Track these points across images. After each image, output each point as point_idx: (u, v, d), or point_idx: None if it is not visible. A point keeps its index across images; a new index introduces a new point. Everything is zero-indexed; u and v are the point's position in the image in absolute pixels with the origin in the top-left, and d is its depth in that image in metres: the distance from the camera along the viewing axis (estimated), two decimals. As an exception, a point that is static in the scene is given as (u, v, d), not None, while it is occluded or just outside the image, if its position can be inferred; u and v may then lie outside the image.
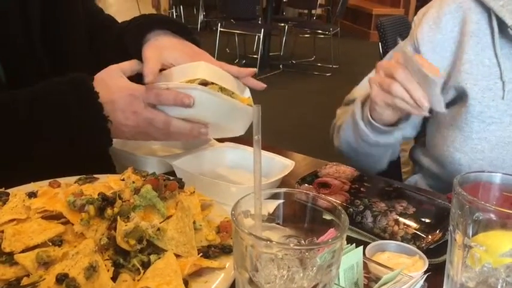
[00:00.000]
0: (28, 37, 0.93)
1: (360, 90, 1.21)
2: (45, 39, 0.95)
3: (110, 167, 1.02)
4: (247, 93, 0.90)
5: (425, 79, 0.87)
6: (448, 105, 1.10)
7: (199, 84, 0.82)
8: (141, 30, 0.94)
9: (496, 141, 1.05)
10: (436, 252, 0.73)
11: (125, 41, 0.97)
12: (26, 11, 0.92)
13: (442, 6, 1.10)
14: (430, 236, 0.76)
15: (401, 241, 0.76)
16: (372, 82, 0.97)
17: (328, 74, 6.04)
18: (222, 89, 0.84)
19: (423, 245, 0.75)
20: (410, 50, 1.11)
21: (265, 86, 0.92)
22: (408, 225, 0.78)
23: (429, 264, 0.69)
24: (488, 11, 1.04)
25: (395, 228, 0.78)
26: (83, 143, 0.84)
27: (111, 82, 0.84)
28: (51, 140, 0.82)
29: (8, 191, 0.75)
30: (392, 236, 0.78)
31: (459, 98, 1.08)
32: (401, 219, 0.79)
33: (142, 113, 0.83)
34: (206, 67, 0.85)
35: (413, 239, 0.76)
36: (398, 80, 0.90)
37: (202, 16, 7.66)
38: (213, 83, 0.84)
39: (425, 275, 0.61)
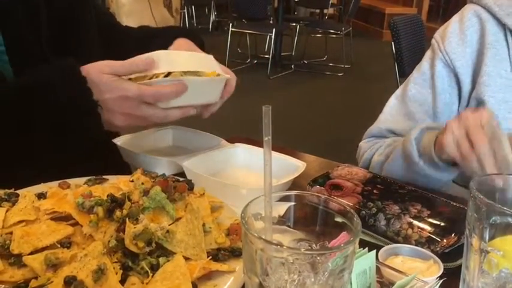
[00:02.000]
0: (37, 38, 0.93)
1: (388, 121, 1.19)
2: (54, 40, 0.95)
3: (122, 165, 1.02)
4: (214, 68, 0.92)
5: (506, 163, 0.85)
6: None
7: (164, 76, 0.85)
8: (169, 37, 1.01)
9: None
10: (452, 257, 0.72)
11: (154, 46, 0.99)
12: (34, 11, 0.92)
13: (464, 21, 1.12)
14: (445, 240, 0.74)
15: (416, 245, 0.74)
16: (448, 133, 0.91)
17: (340, 74, 6.01)
18: (185, 73, 0.87)
19: (438, 249, 0.73)
20: (441, 68, 1.12)
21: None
22: (422, 229, 0.76)
23: (444, 269, 0.67)
24: (504, 25, 1.06)
25: (409, 231, 0.77)
26: (73, 125, 0.82)
27: (101, 80, 0.82)
28: (41, 124, 0.81)
29: (17, 191, 0.74)
30: (406, 240, 0.76)
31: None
32: (416, 222, 0.78)
33: (136, 113, 0.84)
34: (166, 57, 0.88)
35: (428, 242, 0.74)
36: (476, 154, 0.87)
37: (213, 16, 7.67)
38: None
39: (441, 280, 0.59)
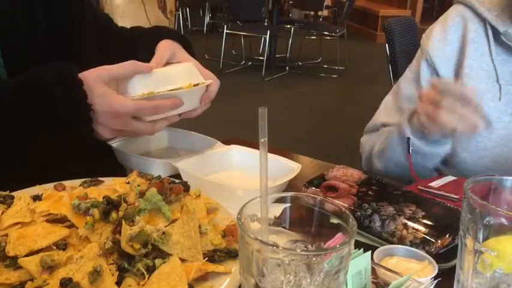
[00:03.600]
0: (33, 38, 0.92)
1: (382, 116, 1.28)
2: (51, 41, 0.94)
3: (118, 167, 1.02)
4: (192, 77, 0.95)
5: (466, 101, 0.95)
6: None
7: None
8: (154, 38, 1.01)
9: (498, 139, 1.12)
10: (446, 257, 0.72)
11: (138, 49, 1.01)
12: (31, 12, 0.92)
13: (447, 20, 1.21)
14: (439, 241, 0.74)
15: (410, 246, 0.74)
16: (420, 112, 1.04)
17: (334, 76, 6.02)
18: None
19: (432, 249, 0.73)
20: (425, 66, 1.21)
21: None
22: (417, 230, 0.77)
23: (439, 270, 0.68)
24: (484, 20, 1.14)
25: (404, 232, 0.77)
26: (65, 124, 0.82)
27: (95, 90, 0.81)
28: (34, 122, 0.81)
29: (12, 194, 0.74)
30: (401, 241, 0.76)
31: None
32: (410, 224, 0.78)
33: (126, 128, 0.85)
34: (142, 81, 0.88)
35: (423, 243, 0.75)
36: (444, 109, 0.98)
37: (208, 18, 7.67)
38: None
39: (435, 281, 0.60)
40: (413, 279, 0.59)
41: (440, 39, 1.19)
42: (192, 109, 0.95)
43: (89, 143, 0.86)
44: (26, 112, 0.80)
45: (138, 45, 1.07)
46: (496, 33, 1.13)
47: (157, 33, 1.06)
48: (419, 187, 0.96)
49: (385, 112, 1.27)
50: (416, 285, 0.58)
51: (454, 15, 1.20)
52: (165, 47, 0.99)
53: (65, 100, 0.80)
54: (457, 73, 1.17)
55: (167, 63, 0.97)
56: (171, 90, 0.89)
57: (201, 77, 0.96)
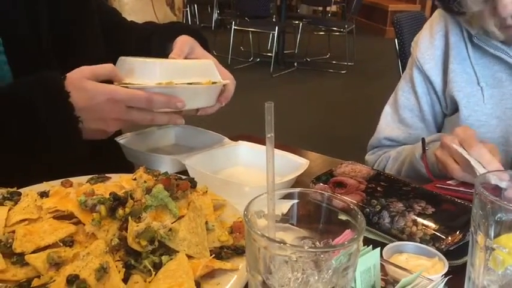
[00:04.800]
0: (36, 38, 0.92)
1: (384, 130, 1.27)
2: (55, 40, 0.94)
3: (124, 164, 1.02)
4: (211, 75, 0.93)
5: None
6: (449, 114, 1.20)
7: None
8: (169, 34, 1.00)
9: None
10: (457, 254, 0.71)
11: (152, 44, 0.99)
12: (34, 11, 0.92)
13: (433, 25, 1.19)
14: (450, 237, 0.73)
15: (420, 242, 0.73)
16: (437, 158, 1.00)
17: (343, 72, 5.99)
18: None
19: (443, 246, 0.72)
20: (417, 74, 1.20)
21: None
22: (427, 226, 0.76)
23: (449, 267, 0.67)
24: (459, 23, 1.13)
25: (414, 229, 0.76)
26: (52, 144, 0.81)
27: (86, 87, 0.80)
28: (16, 140, 0.80)
29: (20, 190, 0.74)
30: (411, 237, 0.75)
31: (454, 106, 1.16)
32: (420, 220, 0.77)
33: (125, 117, 0.84)
34: (163, 70, 0.87)
35: (433, 240, 0.74)
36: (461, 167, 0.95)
37: (216, 14, 7.65)
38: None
39: (446, 278, 0.59)
40: (424, 277, 0.58)
41: (428, 45, 1.18)
42: (208, 106, 0.94)
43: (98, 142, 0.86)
44: (8, 126, 0.79)
45: (152, 40, 1.07)
46: (471, 36, 1.11)
47: (172, 29, 1.06)
48: (438, 185, 0.94)
49: (387, 126, 1.26)
50: (427, 282, 0.57)
51: (438, 19, 1.19)
52: (184, 42, 0.99)
53: (49, 116, 0.79)
54: (444, 79, 1.16)
55: (185, 58, 0.97)
56: (189, 83, 0.88)
57: (219, 75, 0.95)
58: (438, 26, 1.18)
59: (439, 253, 0.70)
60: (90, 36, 1.03)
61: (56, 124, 0.80)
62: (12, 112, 0.80)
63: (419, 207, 0.80)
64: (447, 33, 1.16)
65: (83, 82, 0.81)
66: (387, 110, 1.28)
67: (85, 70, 0.82)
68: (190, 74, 0.90)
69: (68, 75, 0.82)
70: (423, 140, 1.07)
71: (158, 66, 0.86)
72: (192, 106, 0.91)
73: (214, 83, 0.92)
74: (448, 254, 0.70)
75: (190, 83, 0.87)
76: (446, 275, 0.63)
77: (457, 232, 0.74)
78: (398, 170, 1.18)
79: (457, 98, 1.13)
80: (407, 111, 1.22)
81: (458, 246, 0.73)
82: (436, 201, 0.82)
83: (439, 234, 0.74)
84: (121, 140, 1.03)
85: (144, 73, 0.86)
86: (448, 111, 1.20)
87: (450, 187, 0.94)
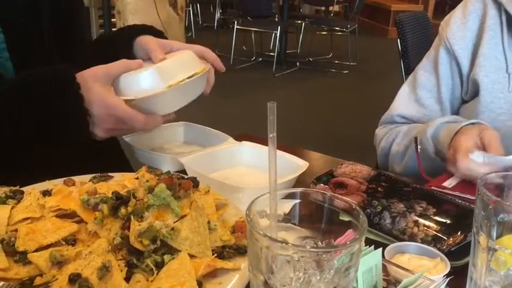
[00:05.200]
0: (38, 35, 0.92)
1: (399, 107, 1.25)
2: (56, 38, 0.95)
3: (126, 165, 1.02)
4: (199, 64, 0.94)
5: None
6: (466, 100, 1.18)
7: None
8: (132, 34, 0.99)
9: (506, 131, 1.08)
10: (458, 255, 0.71)
11: (116, 46, 0.99)
12: (37, 9, 0.92)
13: (467, 6, 1.16)
14: (451, 238, 0.73)
15: (421, 243, 0.73)
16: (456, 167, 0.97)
17: (345, 72, 5.99)
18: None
19: (444, 247, 0.72)
20: (444, 54, 1.17)
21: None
22: (428, 227, 0.76)
23: (451, 267, 0.67)
24: (500, 6, 1.10)
25: (415, 229, 0.76)
26: (60, 127, 0.82)
27: (92, 90, 0.81)
28: (29, 124, 0.81)
29: (22, 189, 0.74)
30: (412, 238, 0.75)
31: (474, 91, 1.13)
32: (421, 221, 0.77)
33: (121, 127, 0.85)
34: (162, 74, 0.87)
35: (434, 241, 0.74)
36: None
37: (218, 14, 7.66)
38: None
39: (448, 279, 0.59)
40: (425, 277, 0.58)
41: (460, 26, 1.15)
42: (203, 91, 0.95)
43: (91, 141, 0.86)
44: (21, 113, 0.80)
45: (109, 50, 1.02)
46: (510, 20, 1.09)
47: (127, 33, 1.02)
48: (433, 187, 0.94)
49: (402, 103, 1.23)
50: (428, 283, 0.57)
51: (474, 0, 1.16)
52: (151, 41, 0.96)
53: (61, 103, 0.80)
54: (472, 62, 1.13)
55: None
56: (189, 77, 0.88)
57: (202, 61, 0.96)
58: (473, 7, 1.15)
59: (441, 254, 0.70)
60: (84, 29, 1.04)
61: (66, 112, 0.81)
62: (25, 100, 0.81)
63: (421, 207, 0.80)
64: (484, 15, 1.13)
65: (91, 85, 0.81)
66: (404, 88, 1.25)
67: (98, 70, 0.83)
68: (187, 67, 0.90)
69: (82, 72, 0.82)
70: (416, 138, 1.06)
71: (155, 72, 0.86)
72: (195, 97, 0.92)
73: (204, 69, 0.93)
74: (450, 255, 0.70)
75: (189, 77, 0.88)
76: (448, 275, 0.63)
77: (458, 233, 0.74)
78: (406, 145, 1.16)
79: (481, 83, 1.10)
80: (426, 91, 1.20)
81: (460, 246, 0.73)
82: (437, 201, 0.82)
83: (440, 235, 0.74)
84: (127, 138, 1.03)
85: (147, 82, 0.86)
86: (467, 97, 1.18)
87: (445, 190, 0.94)
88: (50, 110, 0.80)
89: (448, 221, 0.77)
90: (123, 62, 0.86)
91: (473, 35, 1.14)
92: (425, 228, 0.76)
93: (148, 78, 0.86)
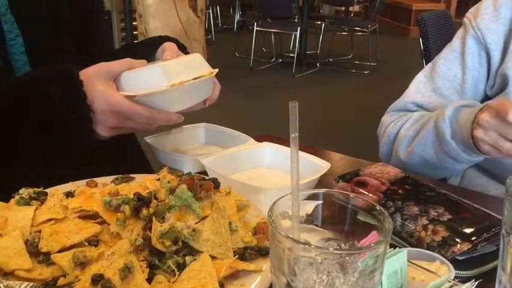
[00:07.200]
0: (57, 39, 0.93)
1: (414, 95, 1.20)
2: (75, 42, 0.95)
3: (147, 166, 1.02)
4: (206, 66, 0.92)
5: None
6: (488, 95, 1.14)
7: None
8: (154, 43, 0.99)
9: None
10: (468, 264, 0.68)
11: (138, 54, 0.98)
12: (56, 12, 0.93)
13: None
14: (458, 246, 0.70)
15: (427, 248, 0.71)
16: (484, 141, 0.93)
17: (366, 72, 5.93)
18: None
19: (448, 254, 0.69)
20: (473, 44, 1.12)
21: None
22: (436, 233, 0.73)
23: (459, 277, 0.64)
24: None
25: (423, 234, 0.73)
26: (64, 126, 0.81)
27: (96, 88, 0.81)
28: (32, 123, 0.80)
29: (46, 190, 0.75)
30: (419, 242, 0.73)
31: (501, 87, 1.09)
32: (431, 226, 0.74)
33: (125, 125, 0.84)
34: (167, 73, 0.86)
35: (439, 247, 0.71)
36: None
37: (238, 16, 7.68)
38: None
39: (477, 282, 0.57)
40: (453, 281, 0.57)
41: (492, 18, 1.11)
42: (210, 94, 0.94)
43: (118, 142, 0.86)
44: (24, 111, 0.80)
45: (137, 50, 1.04)
46: None
47: (151, 41, 1.03)
48: None
49: (418, 91, 1.19)
50: (457, 286, 0.56)
51: None
52: (172, 44, 0.97)
53: (64, 101, 0.80)
54: (503, 55, 1.09)
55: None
56: (194, 78, 0.87)
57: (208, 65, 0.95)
58: (504, 0, 1.11)
59: (439, 256, 0.67)
60: (105, 36, 1.05)
61: (67, 108, 0.80)
62: (27, 96, 0.81)
63: (436, 213, 0.77)
64: None
65: (93, 81, 0.81)
66: (420, 78, 1.21)
67: (101, 67, 0.83)
68: (193, 69, 0.89)
69: (85, 70, 0.82)
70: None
71: (160, 71, 0.85)
72: (200, 99, 0.91)
73: (211, 72, 0.92)
74: (456, 263, 0.66)
75: (195, 78, 0.87)
76: (476, 279, 0.61)
77: (467, 242, 0.70)
78: (417, 130, 1.10)
79: (510, 78, 1.06)
80: (446, 81, 1.16)
81: (470, 256, 0.70)
82: (456, 209, 0.79)
83: (446, 242, 0.71)
84: (148, 139, 1.04)
85: (150, 80, 0.85)
86: (492, 92, 1.14)
87: None
88: (53, 108, 0.80)
89: (460, 229, 0.73)
90: (126, 60, 0.85)
91: (505, 28, 1.10)
92: (433, 233, 0.73)
93: (151, 76, 0.85)
